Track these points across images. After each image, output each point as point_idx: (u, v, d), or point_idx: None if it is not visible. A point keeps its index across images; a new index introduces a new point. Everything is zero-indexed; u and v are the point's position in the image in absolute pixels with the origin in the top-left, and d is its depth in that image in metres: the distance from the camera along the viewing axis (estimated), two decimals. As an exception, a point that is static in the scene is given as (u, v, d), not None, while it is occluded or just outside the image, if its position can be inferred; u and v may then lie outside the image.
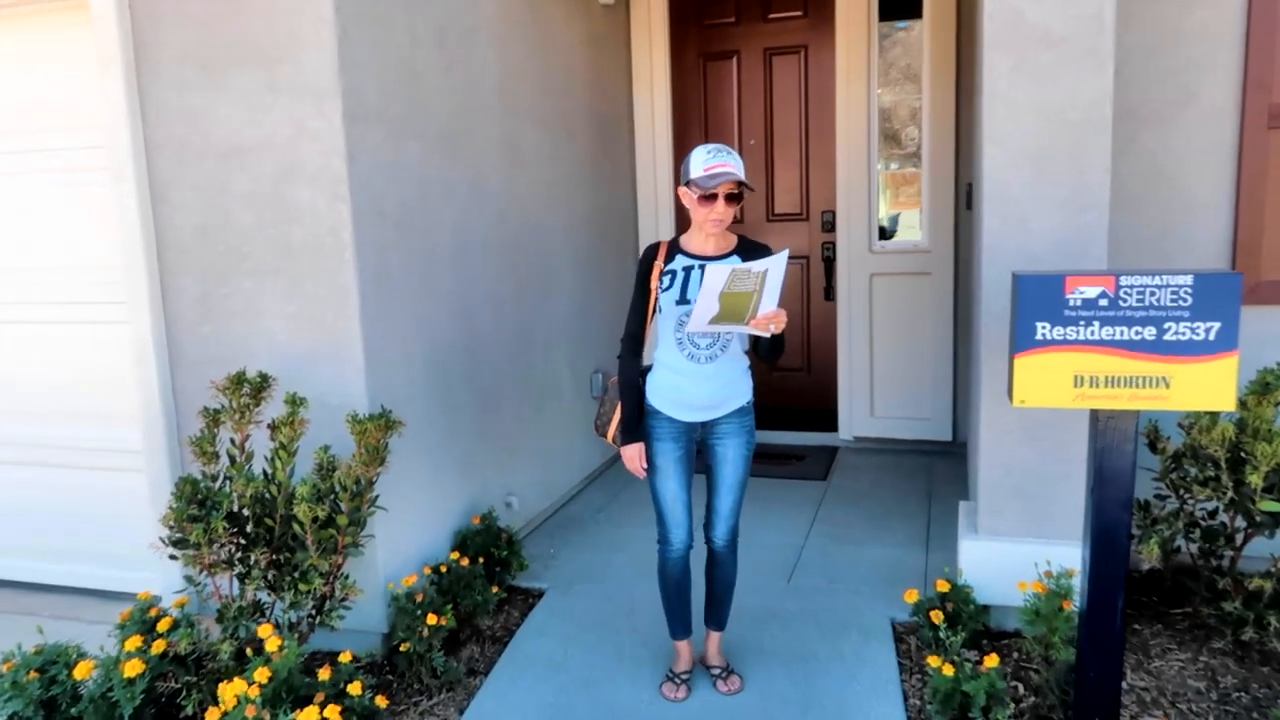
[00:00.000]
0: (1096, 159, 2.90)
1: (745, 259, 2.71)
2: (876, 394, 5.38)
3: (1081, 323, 2.26)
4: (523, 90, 4.14)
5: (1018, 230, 2.99)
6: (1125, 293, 2.23)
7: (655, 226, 5.57)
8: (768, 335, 2.57)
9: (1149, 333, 2.23)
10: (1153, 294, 2.22)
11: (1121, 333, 2.24)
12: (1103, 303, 2.25)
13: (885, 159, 5.32)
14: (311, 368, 3.05)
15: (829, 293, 5.47)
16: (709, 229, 2.66)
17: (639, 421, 2.77)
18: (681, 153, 5.51)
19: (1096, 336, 2.25)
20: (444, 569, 3.22)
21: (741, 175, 2.60)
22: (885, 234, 5.36)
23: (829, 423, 5.53)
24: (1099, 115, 2.88)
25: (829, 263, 5.44)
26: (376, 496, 2.90)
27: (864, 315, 5.34)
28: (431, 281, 3.42)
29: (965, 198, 4.90)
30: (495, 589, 3.28)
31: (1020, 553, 3.07)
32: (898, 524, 4.24)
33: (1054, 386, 2.29)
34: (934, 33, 4.97)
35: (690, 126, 5.51)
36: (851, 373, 5.40)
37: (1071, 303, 2.26)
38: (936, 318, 5.20)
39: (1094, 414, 2.33)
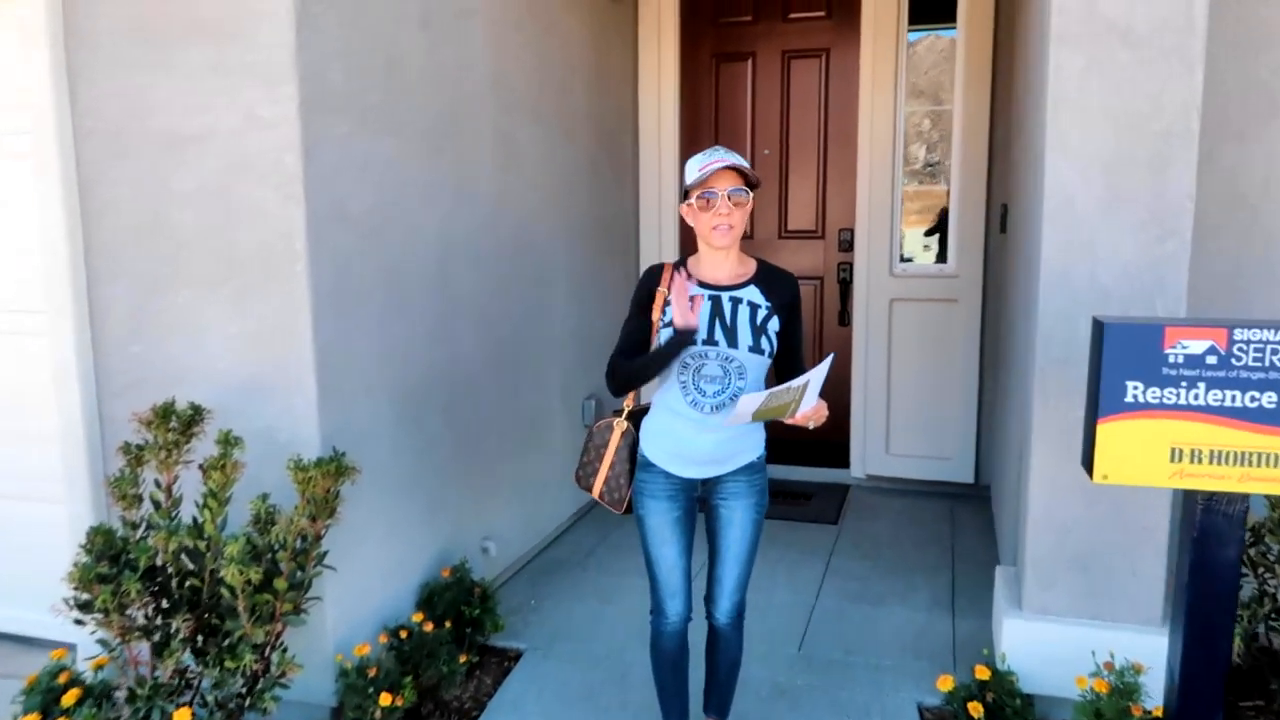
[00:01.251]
0: (1180, 177, 2.48)
1: (765, 291, 2.29)
2: (893, 429, 4.95)
3: (1184, 384, 1.83)
4: (518, 84, 3.72)
5: (1083, 255, 2.56)
6: (1240, 349, 1.81)
7: (658, 240, 5.14)
8: (810, 428, 2.19)
9: (1268, 399, 1.81)
10: (1275, 351, 1.80)
11: (1234, 398, 1.82)
12: (1211, 360, 1.83)
13: (910, 175, 4.90)
14: (257, 398, 2.62)
15: (844, 317, 5.05)
16: (715, 240, 2.24)
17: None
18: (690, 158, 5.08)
19: (1202, 401, 1.83)
20: (405, 634, 2.79)
21: (742, 161, 2.21)
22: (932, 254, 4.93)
23: (840, 458, 5.09)
24: (1184, 127, 2.47)
25: (845, 285, 5.02)
26: (324, 553, 2.46)
27: (882, 343, 4.92)
28: (406, 297, 3.00)
29: (1000, 219, 4.48)
30: (464, 658, 2.85)
31: (1075, 637, 2.64)
32: (919, 580, 3.81)
33: (1146, 461, 1.86)
34: (969, 39, 4.56)
35: (700, 132, 5.09)
36: (867, 405, 4.98)
37: (1171, 359, 1.83)
38: (962, 349, 4.78)
39: (1189, 493, 1.90)
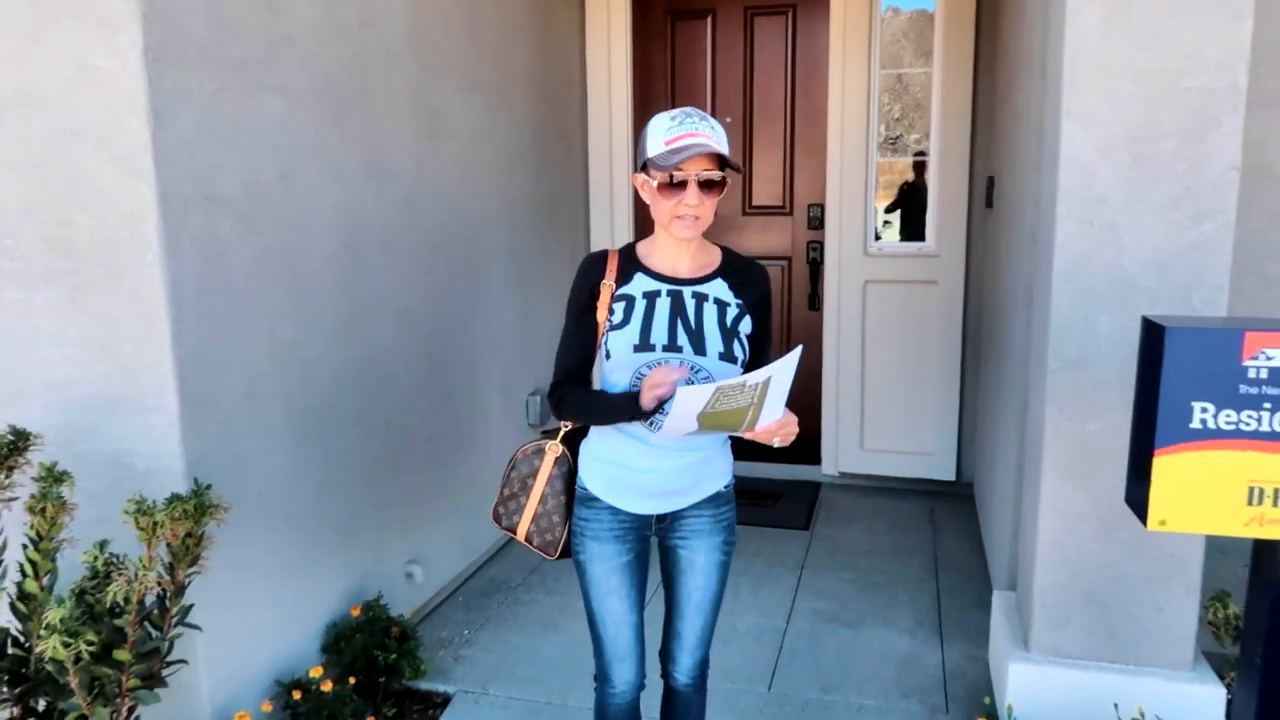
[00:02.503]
0: (1224, 145, 2.07)
1: (734, 286, 1.85)
2: (868, 423, 4.55)
3: (1267, 405, 1.42)
4: (444, 41, 3.22)
5: (1105, 240, 2.15)
6: (1343, 359, 1.41)
7: (610, 219, 4.67)
8: (775, 446, 1.75)
9: (1375, 424, 1.41)
10: (1385, 362, 1.40)
11: (1332, 423, 1.42)
12: (1303, 374, 1.42)
13: (885, 145, 4.47)
14: (106, 416, 2.14)
15: (814, 301, 4.63)
16: (677, 231, 1.79)
17: (625, 394, 1.82)
18: (642, 129, 4.60)
19: (1289, 427, 1.42)
20: (299, 694, 2.33)
21: (720, 147, 1.74)
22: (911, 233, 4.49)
23: (810, 454, 4.68)
24: (1230, 83, 2.05)
25: (815, 266, 4.59)
26: (188, 609, 2.00)
27: (855, 329, 4.50)
28: (303, 291, 2.52)
29: (986, 193, 4.07)
30: (372, 719, 2.41)
31: (1092, 684, 2.26)
32: (901, 596, 3.41)
33: (1216, 503, 1.46)
34: (950, -7, 4.13)
35: (655, 98, 4.62)
36: (839, 397, 4.57)
37: (1253, 373, 1.42)
38: (942, 334, 4.38)
39: (1266, 543, 1.50)
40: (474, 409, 3.53)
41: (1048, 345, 2.23)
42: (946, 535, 4.01)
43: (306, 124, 2.52)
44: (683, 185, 1.74)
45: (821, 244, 4.53)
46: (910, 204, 4.43)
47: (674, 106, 4.60)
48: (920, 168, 4.39)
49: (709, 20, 4.52)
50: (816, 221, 4.54)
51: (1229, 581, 2.39)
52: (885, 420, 4.52)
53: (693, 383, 1.78)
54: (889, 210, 4.51)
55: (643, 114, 4.60)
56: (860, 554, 3.81)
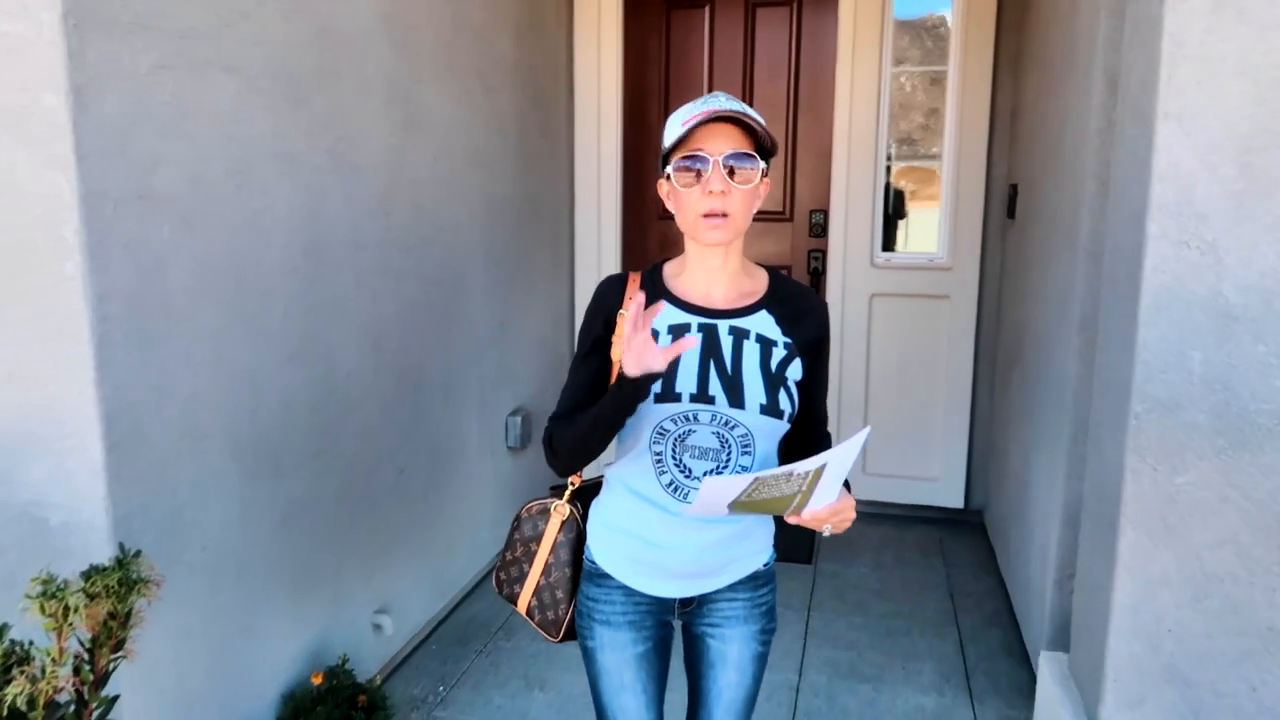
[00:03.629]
0: (1347, 158, 1.77)
1: (783, 320, 1.52)
2: (872, 446, 4.23)
3: None
4: (422, 22, 2.86)
5: (1204, 264, 1.85)
6: None
7: (597, 223, 4.32)
8: (824, 534, 1.40)
9: None
10: None
11: None
12: None
13: (899, 149, 4.17)
14: (12, 460, 1.76)
15: (814, 314, 4.31)
16: (704, 232, 1.45)
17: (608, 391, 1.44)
18: (634, 124, 4.28)
19: None
20: (248, 791, 1.97)
21: (748, 109, 1.44)
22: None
23: (808, 477, 4.37)
24: (1356, 86, 1.76)
25: (816, 276, 4.28)
26: (113, 700, 1.62)
27: (860, 345, 4.20)
28: (256, 306, 2.15)
29: (1008, 203, 3.78)
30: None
31: (1177, 777, 1.96)
32: (921, 645, 3.11)
33: None
34: (969, -13, 3.84)
35: (648, 92, 4.28)
36: (841, 417, 4.26)
37: None
38: (954, 352, 4.09)
39: None
40: (449, 434, 3.17)
41: (1131, 385, 1.92)
42: (960, 570, 3.71)
43: (263, 109, 2.15)
44: (704, 164, 1.41)
45: (824, 253, 4.22)
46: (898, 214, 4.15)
47: (667, 102, 4.31)
48: (931, 174, 4.10)
49: (707, 10, 4.19)
50: (819, 229, 4.23)
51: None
52: (890, 443, 4.22)
53: (724, 440, 1.45)
54: (897, 218, 4.22)
55: (634, 110, 4.26)
56: (871, 593, 3.50)
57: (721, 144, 1.42)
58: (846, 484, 1.41)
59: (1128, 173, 2.01)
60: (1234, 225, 1.82)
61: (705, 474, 1.46)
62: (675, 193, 1.46)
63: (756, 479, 1.24)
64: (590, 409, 1.45)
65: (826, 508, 1.35)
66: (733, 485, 1.26)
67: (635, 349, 1.31)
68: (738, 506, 1.32)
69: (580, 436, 1.46)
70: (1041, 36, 3.27)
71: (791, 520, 1.38)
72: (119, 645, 1.59)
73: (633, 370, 1.32)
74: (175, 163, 1.88)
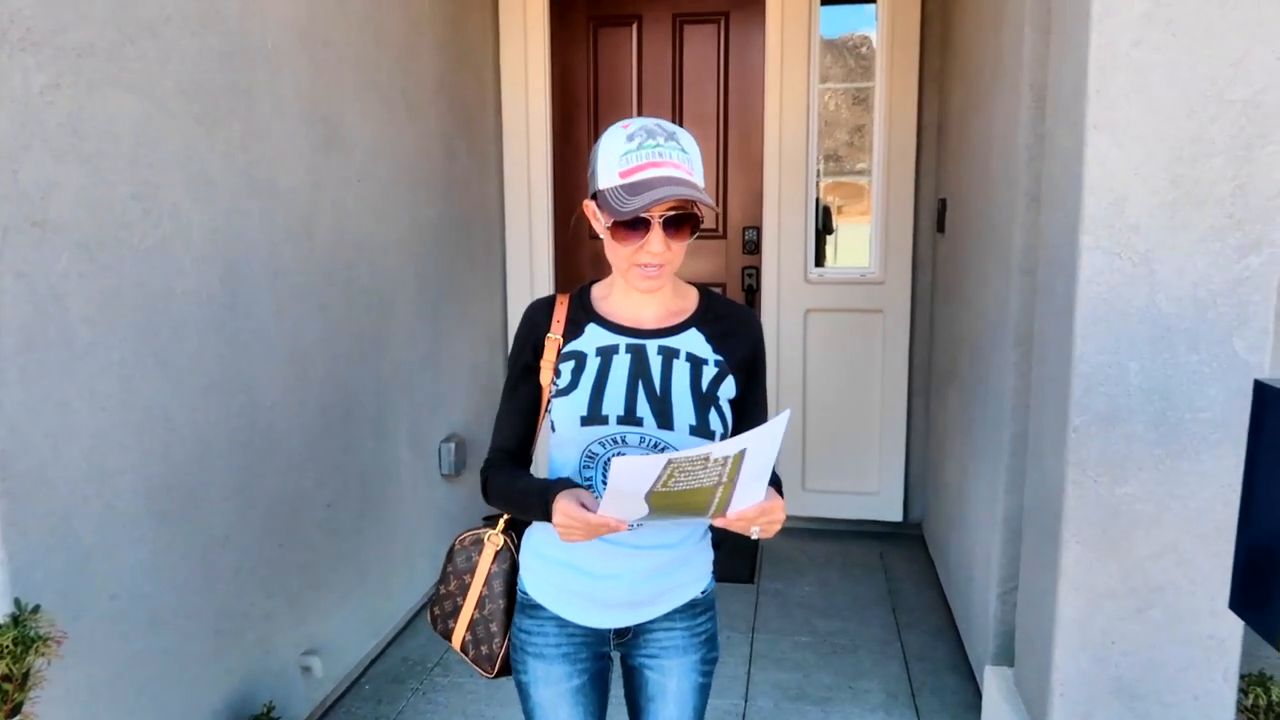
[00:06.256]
0: (1273, 164, 1.79)
1: (713, 338, 1.47)
2: (810, 461, 4.23)
3: None
4: (341, 40, 2.76)
5: (1138, 276, 1.86)
6: None
7: (529, 243, 4.25)
8: (753, 537, 1.32)
9: None
10: None
11: None
12: None
13: (827, 165, 4.18)
14: (-108, 512, 1.62)
15: (750, 330, 4.29)
16: (638, 284, 1.40)
17: (545, 487, 1.38)
18: (564, 142, 4.22)
19: None
20: None
21: (693, 178, 1.36)
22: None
23: (748, 495, 4.33)
24: (1278, 98, 1.78)
25: (751, 294, 4.26)
26: (7, 773, 1.49)
27: (795, 361, 4.19)
28: (165, 339, 2.02)
29: (936, 217, 3.81)
30: None
31: (1128, 791, 1.94)
32: (867, 662, 3.08)
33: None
34: (894, 3, 3.87)
35: (576, 110, 4.22)
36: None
37: None
38: (888, 366, 4.11)
39: None
40: (380, 464, 3.06)
41: (1069, 398, 1.92)
42: (902, 584, 3.71)
43: (171, 130, 2.03)
44: (643, 227, 1.34)
45: (758, 269, 4.21)
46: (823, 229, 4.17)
47: (596, 121, 4.26)
48: (861, 190, 4.12)
49: (634, 27, 4.16)
50: (753, 246, 4.22)
51: (1269, 662, 2.12)
52: (828, 458, 4.21)
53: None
54: (826, 233, 4.23)
55: (563, 127, 4.20)
56: (815, 612, 3.47)
57: (662, 205, 1.35)
58: (779, 488, 1.36)
59: (1059, 186, 2.02)
60: (1167, 236, 1.83)
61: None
62: (609, 239, 1.39)
63: (670, 460, 1.16)
64: (521, 481, 1.43)
65: (754, 507, 1.28)
66: (645, 468, 1.16)
67: (579, 528, 1.29)
68: (656, 501, 1.23)
69: (509, 505, 1.47)
70: (965, 53, 3.31)
71: (718, 524, 1.30)
72: (15, 710, 1.47)
73: (560, 523, 1.30)
74: (73, 188, 1.76)
